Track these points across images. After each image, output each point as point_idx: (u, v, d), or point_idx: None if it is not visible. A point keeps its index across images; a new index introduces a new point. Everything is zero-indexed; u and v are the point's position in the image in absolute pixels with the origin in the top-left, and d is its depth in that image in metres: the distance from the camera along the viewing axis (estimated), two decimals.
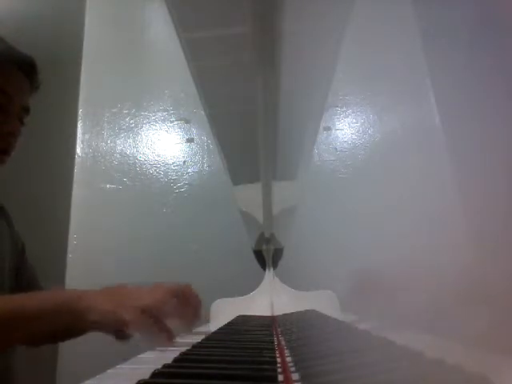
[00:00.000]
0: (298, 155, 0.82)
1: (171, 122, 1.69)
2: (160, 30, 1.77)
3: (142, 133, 1.68)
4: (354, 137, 1.65)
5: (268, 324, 0.79)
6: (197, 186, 1.60)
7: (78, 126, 1.68)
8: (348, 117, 1.67)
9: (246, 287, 1.14)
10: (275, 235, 1.14)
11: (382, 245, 1.31)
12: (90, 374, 0.39)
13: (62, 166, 1.60)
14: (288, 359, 0.42)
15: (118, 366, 0.44)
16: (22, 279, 0.86)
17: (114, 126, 1.69)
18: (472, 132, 1.22)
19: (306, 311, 0.97)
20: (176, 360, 0.43)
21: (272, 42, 0.43)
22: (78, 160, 1.63)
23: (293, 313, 0.96)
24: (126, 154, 1.65)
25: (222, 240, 1.49)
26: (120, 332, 0.61)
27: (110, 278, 1.42)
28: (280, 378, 0.35)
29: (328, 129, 1.65)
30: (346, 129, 1.66)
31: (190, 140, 1.66)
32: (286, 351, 0.47)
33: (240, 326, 0.81)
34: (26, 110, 0.78)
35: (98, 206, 1.58)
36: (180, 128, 1.68)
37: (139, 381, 0.34)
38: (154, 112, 1.70)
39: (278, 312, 0.99)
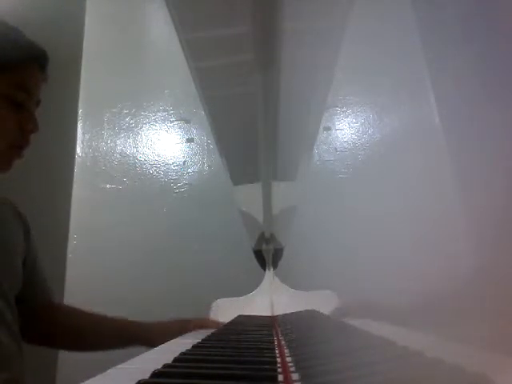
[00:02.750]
0: (298, 155, 0.82)
1: (171, 121, 1.69)
2: (160, 30, 1.77)
3: (142, 133, 1.68)
4: (354, 137, 1.64)
5: (268, 324, 0.79)
6: (197, 186, 1.60)
7: (78, 126, 1.68)
8: (348, 117, 1.67)
9: (245, 287, 1.14)
10: (275, 235, 1.13)
11: (381, 244, 1.31)
12: (90, 374, 0.39)
13: (62, 166, 1.60)
14: (288, 359, 0.42)
15: (118, 366, 0.44)
16: (33, 283, 0.86)
17: (114, 126, 1.68)
18: (472, 132, 1.22)
19: (306, 311, 0.97)
20: (176, 360, 0.42)
21: (272, 42, 0.43)
22: (78, 160, 1.63)
23: (293, 313, 0.96)
24: (126, 153, 1.65)
25: (222, 240, 1.49)
26: None
27: (110, 277, 1.42)
28: (280, 378, 0.35)
29: (328, 129, 1.65)
30: (345, 129, 1.66)
31: (190, 140, 1.66)
32: (285, 351, 0.47)
33: (240, 326, 0.80)
34: (38, 103, 0.78)
35: (98, 205, 1.58)
36: (180, 128, 1.68)
37: (139, 381, 0.33)
38: (154, 112, 1.70)
39: (278, 312, 0.99)
